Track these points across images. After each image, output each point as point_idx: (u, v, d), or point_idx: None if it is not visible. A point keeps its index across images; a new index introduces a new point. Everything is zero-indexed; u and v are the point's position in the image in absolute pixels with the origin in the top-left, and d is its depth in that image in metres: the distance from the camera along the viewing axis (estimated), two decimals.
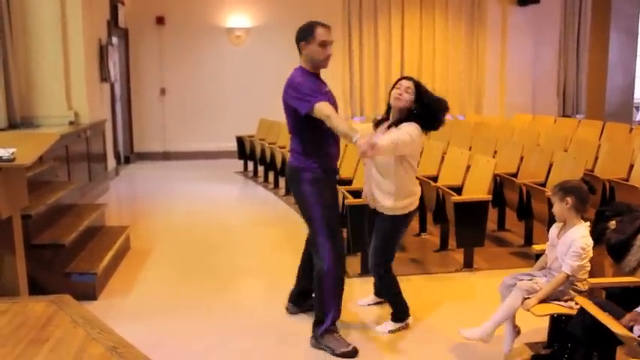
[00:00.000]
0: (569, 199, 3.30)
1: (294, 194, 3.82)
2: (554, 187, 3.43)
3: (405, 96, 3.73)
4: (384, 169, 3.76)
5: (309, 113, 3.48)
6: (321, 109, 3.48)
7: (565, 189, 3.33)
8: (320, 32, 3.57)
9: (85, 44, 7.66)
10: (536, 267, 3.55)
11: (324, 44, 3.57)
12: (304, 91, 3.52)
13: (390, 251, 3.88)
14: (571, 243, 3.26)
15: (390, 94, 3.84)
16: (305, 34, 3.59)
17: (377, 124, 3.99)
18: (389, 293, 4.02)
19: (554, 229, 3.46)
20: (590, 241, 3.28)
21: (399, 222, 3.82)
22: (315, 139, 3.63)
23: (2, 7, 6.57)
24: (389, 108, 3.88)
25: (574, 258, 3.23)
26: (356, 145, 3.33)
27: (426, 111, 3.75)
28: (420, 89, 3.77)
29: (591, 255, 3.29)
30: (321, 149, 3.68)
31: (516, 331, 3.52)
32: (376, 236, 3.86)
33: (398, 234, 3.89)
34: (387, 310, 4.07)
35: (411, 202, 3.81)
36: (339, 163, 4.05)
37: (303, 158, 3.65)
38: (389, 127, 3.79)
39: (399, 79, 3.86)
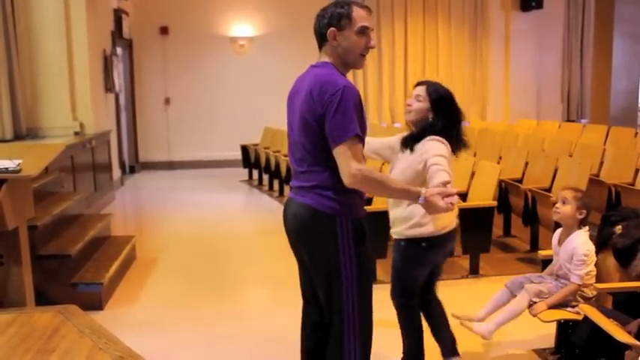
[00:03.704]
0: (584, 211, 3.31)
1: (314, 253, 2.52)
2: (575, 190, 3.40)
3: (414, 105, 3.05)
4: None
5: (342, 143, 2.34)
6: (357, 152, 2.36)
7: (585, 203, 3.33)
8: (359, 14, 2.45)
9: (90, 55, 7.69)
10: (546, 273, 3.54)
11: (363, 31, 2.46)
12: (350, 106, 2.36)
13: None
14: (573, 251, 3.26)
15: None
16: (337, 16, 2.45)
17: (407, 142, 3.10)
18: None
19: (556, 236, 3.46)
20: (591, 246, 3.28)
21: None
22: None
23: (7, 19, 6.61)
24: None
25: (580, 267, 3.22)
26: (426, 204, 2.40)
27: (447, 124, 3.02)
28: (433, 94, 3.03)
29: (595, 259, 3.28)
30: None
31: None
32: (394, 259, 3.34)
33: None
34: None
35: None
36: None
37: (339, 196, 2.44)
38: (405, 146, 3.07)
39: (416, 85, 3.16)
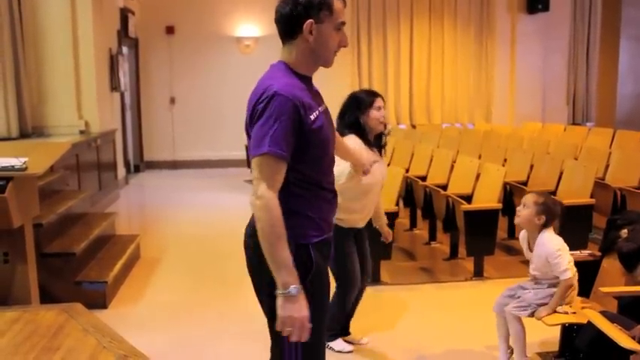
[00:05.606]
0: (543, 217, 3.31)
1: (255, 286, 2.39)
2: (539, 195, 3.42)
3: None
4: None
5: (254, 158, 2.06)
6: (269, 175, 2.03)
7: (547, 209, 3.33)
8: (338, 6, 2.09)
9: (96, 54, 7.71)
10: (530, 276, 3.51)
11: (340, 27, 2.12)
12: (274, 117, 2.04)
13: None
14: (545, 255, 3.26)
15: (363, 112, 3.53)
16: (317, 5, 2.05)
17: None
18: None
19: (524, 241, 3.45)
20: (558, 239, 3.31)
21: None
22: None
23: (14, 18, 6.64)
24: (359, 128, 3.51)
25: (560, 262, 3.23)
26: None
27: None
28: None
29: (567, 248, 3.31)
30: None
31: (510, 351, 3.52)
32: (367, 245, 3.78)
33: None
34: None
35: None
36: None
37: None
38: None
39: (374, 96, 3.61)
